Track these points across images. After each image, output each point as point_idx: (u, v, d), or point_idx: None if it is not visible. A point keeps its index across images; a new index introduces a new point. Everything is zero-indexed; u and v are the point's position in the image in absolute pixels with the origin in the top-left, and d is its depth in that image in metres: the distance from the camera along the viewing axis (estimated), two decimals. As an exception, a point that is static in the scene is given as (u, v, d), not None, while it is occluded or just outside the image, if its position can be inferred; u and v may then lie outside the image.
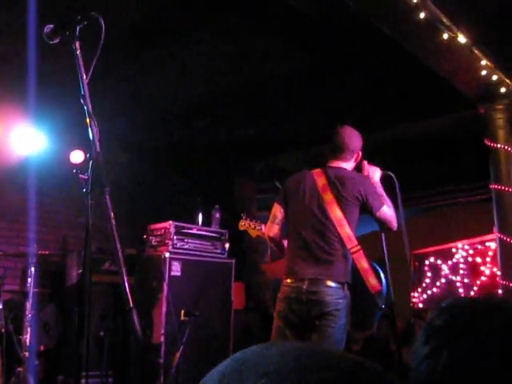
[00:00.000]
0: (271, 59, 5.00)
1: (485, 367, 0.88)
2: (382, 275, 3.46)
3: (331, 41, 4.60)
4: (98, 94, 2.36)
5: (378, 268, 3.49)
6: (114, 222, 1.80)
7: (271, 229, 3.69)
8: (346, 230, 3.42)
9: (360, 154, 3.68)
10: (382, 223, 3.52)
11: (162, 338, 5.21)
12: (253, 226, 4.09)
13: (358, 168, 3.70)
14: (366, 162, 3.70)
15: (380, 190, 3.57)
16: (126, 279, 1.72)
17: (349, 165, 3.65)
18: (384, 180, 3.66)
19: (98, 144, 1.97)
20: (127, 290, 1.70)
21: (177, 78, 5.42)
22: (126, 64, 5.10)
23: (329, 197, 3.49)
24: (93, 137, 1.98)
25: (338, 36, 4.53)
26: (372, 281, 3.37)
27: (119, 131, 6.20)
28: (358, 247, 3.42)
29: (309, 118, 6.24)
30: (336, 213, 3.45)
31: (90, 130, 1.99)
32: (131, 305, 1.68)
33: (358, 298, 3.45)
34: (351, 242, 3.42)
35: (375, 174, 3.65)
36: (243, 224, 4.11)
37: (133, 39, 4.68)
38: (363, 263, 3.40)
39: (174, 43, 4.74)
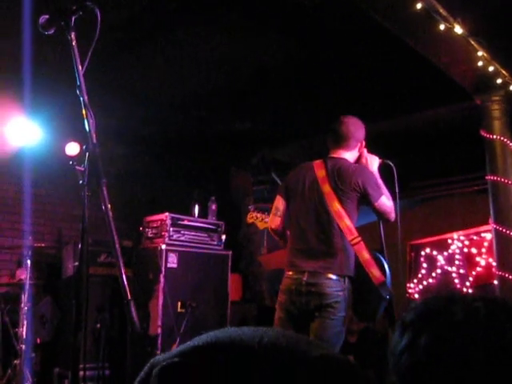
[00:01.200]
0: (267, 52, 4.97)
1: (465, 352, 0.87)
2: (386, 265, 3.45)
3: (326, 33, 4.58)
4: (94, 85, 2.34)
5: (381, 258, 3.47)
6: (110, 213, 1.79)
7: (273, 221, 3.70)
8: (346, 222, 3.41)
9: (364, 143, 3.67)
10: (381, 214, 3.51)
11: (159, 330, 5.22)
12: (260, 219, 4.04)
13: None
14: (365, 150, 3.69)
15: (378, 180, 3.57)
16: (123, 271, 1.71)
17: (352, 154, 3.63)
18: (382, 169, 3.66)
19: (94, 135, 1.95)
20: (125, 282, 1.69)
21: (173, 71, 5.39)
22: (122, 56, 5.06)
23: (327, 189, 3.48)
24: (89, 128, 1.96)
25: (333, 28, 4.50)
26: (375, 272, 3.36)
27: (115, 123, 6.16)
28: (359, 239, 3.40)
29: (305, 109, 6.22)
30: (335, 205, 3.44)
31: (86, 121, 1.96)
32: (129, 297, 1.67)
33: (362, 289, 3.44)
34: (351, 234, 3.40)
35: (374, 162, 3.64)
36: (251, 216, 4.05)
37: (130, 31, 4.64)
38: (364, 254, 3.39)
39: (171, 36, 4.71)
